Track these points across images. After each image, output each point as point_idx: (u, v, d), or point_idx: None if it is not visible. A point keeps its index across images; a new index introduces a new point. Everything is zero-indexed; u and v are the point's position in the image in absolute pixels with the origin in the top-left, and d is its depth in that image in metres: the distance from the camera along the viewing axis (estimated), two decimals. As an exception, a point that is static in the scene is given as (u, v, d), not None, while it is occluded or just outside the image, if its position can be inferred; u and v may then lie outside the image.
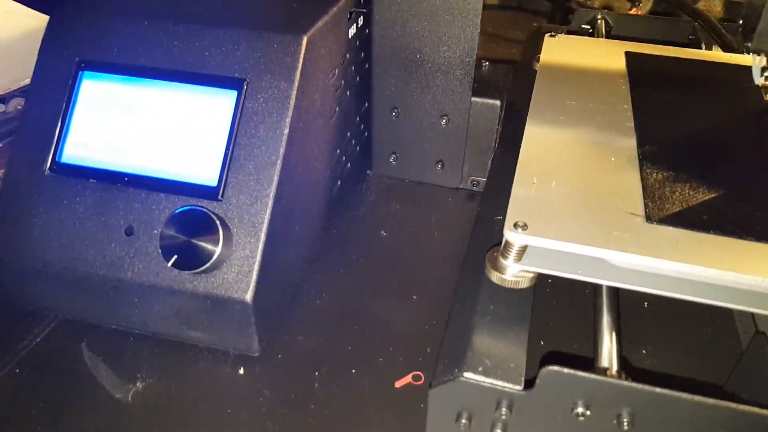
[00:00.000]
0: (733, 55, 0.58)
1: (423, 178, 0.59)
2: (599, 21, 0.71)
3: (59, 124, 0.43)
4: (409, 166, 0.59)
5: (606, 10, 0.76)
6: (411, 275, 0.49)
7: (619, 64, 0.54)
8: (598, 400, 0.32)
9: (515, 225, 0.35)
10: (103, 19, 0.44)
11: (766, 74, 0.45)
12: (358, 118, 0.57)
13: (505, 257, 0.36)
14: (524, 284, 0.37)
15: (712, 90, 0.52)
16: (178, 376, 0.41)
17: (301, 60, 0.41)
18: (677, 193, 0.38)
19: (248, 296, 0.39)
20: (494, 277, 0.37)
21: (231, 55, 0.41)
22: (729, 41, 0.62)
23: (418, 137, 0.57)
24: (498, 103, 0.54)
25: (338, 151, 0.52)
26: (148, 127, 0.42)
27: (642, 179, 0.39)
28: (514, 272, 0.36)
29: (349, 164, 0.56)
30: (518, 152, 0.42)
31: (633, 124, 0.45)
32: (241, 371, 0.41)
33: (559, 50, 0.57)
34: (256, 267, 0.39)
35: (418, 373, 0.41)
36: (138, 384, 0.40)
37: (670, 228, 0.35)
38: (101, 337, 0.43)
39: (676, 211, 0.36)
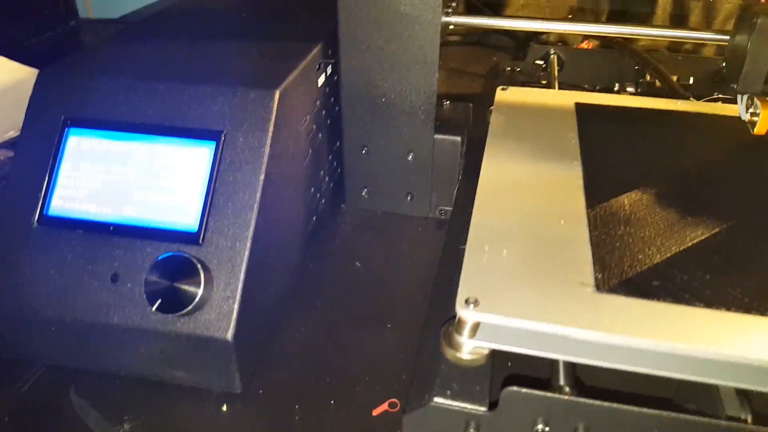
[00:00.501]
0: (681, 101, 0.59)
1: (394, 210, 0.62)
2: (552, 56, 0.75)
3: (47, 178, 0.45)
4: (380, 199, 0.62)
5: (560, 44, 0.80)
6: (385, 305, 0.52)
7: (570, 115, 0.56)
8: (556, 417, 0.34)
9: (467, 301, 0.35)
10: (88, 78, 0.46)
11: (751, 110, 0.48)
12: (330, 157, 0.60)
13: (459, 333, 0.36)
14: (481, 362, 0.36)
15: (661, 140, 0.53)
16: (163, 415, 0.43)
17: (273, 112, 0.44)
18: (626, 258, 0.38)
19: (229, 335, 0.41)
20: (449, 354, 0.36)
21: (209, 110, 0.44)
22: (676, 88, 0.66)
23: (388, 172, 0.60)
24: (459, 139, 0.57)
25: (312, 189, 0.55)
26: (131, 179, 0.44)
27: (591, 244, 0.39)
28: (469, 348, 0.36)
29: (323, 200, 0.59)
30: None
31: (582, 182, 0.45)
32: (224, 408, 0.43)
33: (510, 104, 0.59)
34: (236, 307, 0.42)
35: (394, 400, 0.44)
36: (125, 425, 0.42)
37: (621, 297, 0.35)
38: (88, 382, 0.45)
39: (625, 278, 0.36)
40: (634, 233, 0.40)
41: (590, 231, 0.40)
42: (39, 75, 0.47)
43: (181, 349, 0.42)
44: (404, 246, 0.59)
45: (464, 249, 0.39)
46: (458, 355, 0.36)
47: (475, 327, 0.36)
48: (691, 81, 0.73)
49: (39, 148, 0.45)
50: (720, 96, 0.75)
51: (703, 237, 0.40)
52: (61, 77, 0.47)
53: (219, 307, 0.42)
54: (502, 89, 0.61)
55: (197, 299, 0.41)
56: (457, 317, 0.36)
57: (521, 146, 0.50)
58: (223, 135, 0.44)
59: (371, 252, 0.58)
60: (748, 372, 0.32)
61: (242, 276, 0.42)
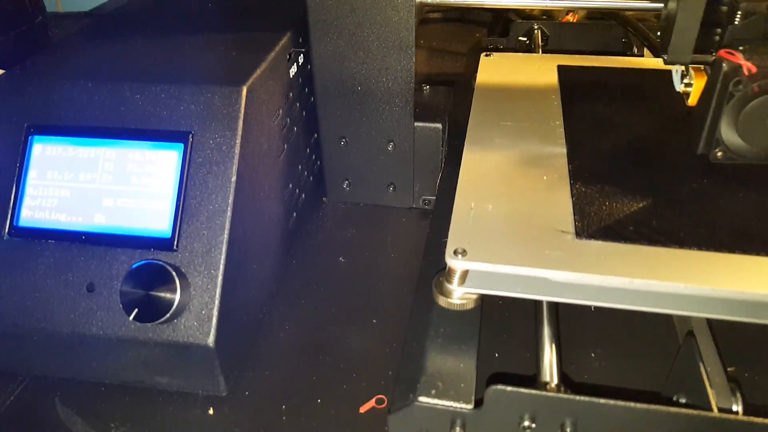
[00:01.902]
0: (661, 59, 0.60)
1: (377, 201, 0.61)
2: (536, 32, 0.74)
3: (14, 188, 0.44)
4: (362, 191, 0.61)
5: (544, 19, 0.79)
6: (370, 299, 0.51)
7: (552, 78, 0.57)
8: (542, 413, 0.34)
9: (455, 252, 0.37)
10: (49, 82, 0.45)
11: (685, 81, 0.47)
12: (308, 150, 0.59)
13: (449, 282, 0.39)
14: (470, 305, 0.39)
15: (641, 97, 0.54)
16: (150, 421, 0.42)
17: (242, 110, 0.42)
18: (605, 207, 0.40)
19: (210, 340, 0.41)
20: (441, 301, 0.39)
21: (175, 110, 0.43)
22: (657, 45, 0.65)
23: (368, 163, 0.59)
24: (440, 126, 0.56)
25: (291, 185, 0.54)
26: (101, 185, 0.43)
27: (572, 196, 0.41)
28: (459, 295, 0.39)
29: (303, 195, 0.58)
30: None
31: (564, 140, 0.47)
32: (211, 412, 0.43)
33: (495, 69, 0.59)
34: (215, 311, 0.41)
35: (381, 396, 0.43)
36: (112, 433, 0.42)
37: (598, 242, 0.37)
38: (73, 391, 0.44)
39: (603, 225, 0.39)
40: (613, 186, 0.42)
41: (571, 185, 0.42)
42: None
43: (163, 356, 0.42)
44: (388, 238, 0.58)
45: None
46: (450, 301, 0.39)
47: (464, 275, 0.38)
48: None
49: (3, 158, 0.44)
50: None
51: (678, 187, 0.43)
52: (21, 82, 0.46)
53: (198, 312, 0.41)
54: (486, 55, 0.62)
55: (175, 306, 0.40)
56: (447, 267, 0.38)
57: (505, 109, 0.52)
58: (190, 136, 0.42)
59: (355, 246, 0.57)
60: (717, 304, 0.35)
61: (220, 280, 0.41)
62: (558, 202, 0.41)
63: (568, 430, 0.34)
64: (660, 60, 0.59)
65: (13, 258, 0.43)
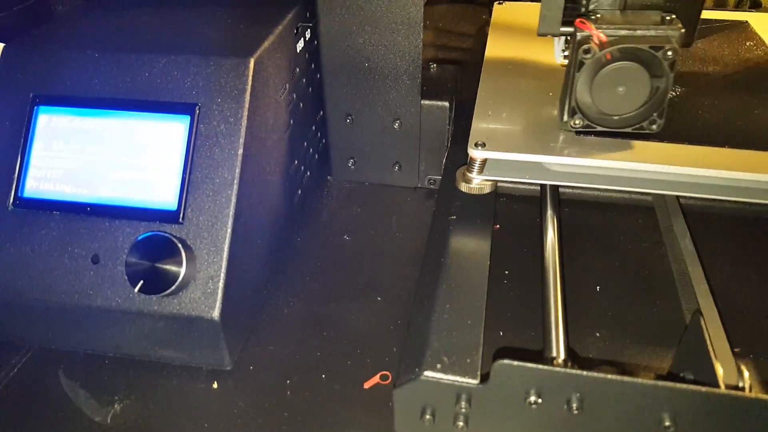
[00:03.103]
0: None
1: (382, 180, 0.61)
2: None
3: (19, 159, 0.43)
4: (367, 169, 0.61)
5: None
6: (375, 277, 0.51)
7: None
8: (548, 389, 0.34)
9: (476, 144, 0.45)
10: (55, 53, 0.45)
11: (565, 53, 0.47)
12: (314, 127, 0.59)
13: (470, 171, 0.47)
14: (486, 190, 0.49)
15: None
16: (154, 395, 0.42)
17: (249, 82, 0.42)
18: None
19: (215, 314, 0.40)
20: (463, 187, 0.48)
21: (182, 82, 0.43)
22: None
23: (374, 141, 0.58)
24: (447, 104, 0.55)
25: (296, 162, 0.54)
26: (106, 157, 0.43)
27: None
28: (478, 181, 0.48)
29: (308, 172, 0.58)
30: None
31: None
32: (215, 385, 0.43)
33: (507, 15, 0.67)
34: (221, 285, 0.41)
35: (385, 372, 0.43)
36: (116, 406, 0.42)
37: (594, 138, 0.45)
38: (77, 363, 0.45)
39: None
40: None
41: None
42: (3, 50, 0.45)
43: (168, 329, 0.42)
44: (393, 217, 0.57)
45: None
46: (470, 186, 0.48)
47: (482, 165, 0.47)
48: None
49: (8, 128, 0.44)
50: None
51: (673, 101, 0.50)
52: (27, 52, 0.45)
53: (204, 285, 0.41)
54: (499, 3, 0.70)
55: (180, 279, 0.40)
56: (469, 157, 0.47)
57: (517, 45, 0.60)
58: (197, 108, 0.42)
59: (360, 224, 0.57)
60: (692, 184, 0.45)
61: (225, 253, 0.41)
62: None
63: (575, 405, 0.34)
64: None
65: (18, 229, 0.43)
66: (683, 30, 0.41)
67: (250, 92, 0.42)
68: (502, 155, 0.44)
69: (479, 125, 0.47)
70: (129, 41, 0.46)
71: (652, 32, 0.41)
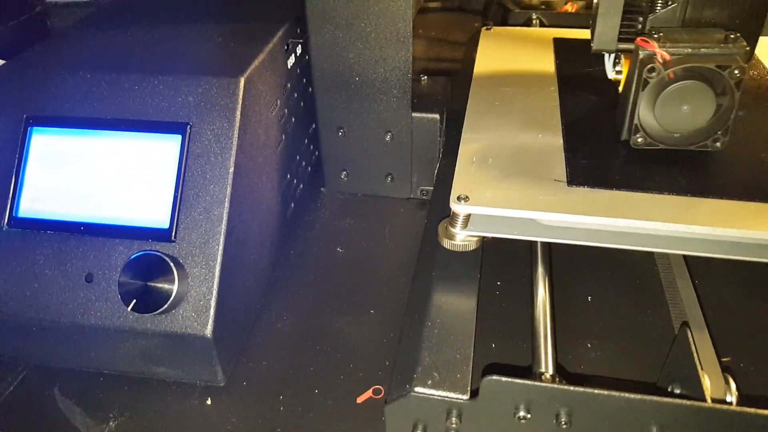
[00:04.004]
0: None
1: (375, 192, 0.61)
2: (534, 21, 0.73)
3: (13, 179, 0.44)
4: (360, 181, 0.61)
5: (543, 9, 0.78)
6: (368, 289, 0.51)
7: (548, 49, 0.60)
8: (537, 404, 0.34)
9: (459, 198, 0.40)
10: (48, 74, 0.45)
11: (617, 69, 0.47)
12: (306, 140, 0.59)
13: (453, 226, 0.42)
14: (472, 247, 0.43)
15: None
16: (148, 412, 0.43)
17: (239, 101, 0.42)
18: (594, 159, 0.44)
19: (208, 331, 0.41)
20: (446, 243, 0.43)
21: (173, 101, 0.43)
22: None
23: (366, 153, 0.59)
24: (437, 116, 0.56)
25: (289, 176, 0.54)
26: (99, 176, 0.43)
27: (564, 150, 0.44)
28: (462, 237, 0.43)
29: (301, 185, 0.58)
30: None
31: (557, 103, 0.50)
32: (209, 402, 0.43)
33: (495, 41, 0.62)
34: (213, 302, 0.41)
35: (378, 387, 0.43)
36: (111, 423, 0.42)
37: (587, 189, 0.41)
38: (72, 381, 0.45)
39: (593, 174, 0.42)
40: (601, 140, 0.46)
41: (564, 140, 0.46)
42: (-3, 71, 0.46)
43: (161, 346, 0.42)
44: (386, 229, 0.58)
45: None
46: (453, 242, 0.43)
47: (467, 219, 0.42)
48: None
49: (2, 149, 0.44)
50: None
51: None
52: (20, 73, 0.46)
53: (196, 303, 0.41)
54: (487, 29, 0.66)
55: (172, 297, 0.40)
56: (452, 211, 0.42)
57: (504, 76, 0.56)
58: (188, 127, 0.42)
59: (353, 236, 0.57)
60: (691, 241, 0.40)
61: (217, 271, 0.41)
62: (552, 155, 0.44)
63: (563, 420, 0.34)
64: None
65: (13, 249, 0.43)
66: (748, 48, 0.40)
67: (240, 111, 0.42)
68: (489, 210, 0.40)
69: (462, 175, 0.43)
70: (121, 61, 0.47)
71: (716, 51, 0.40)
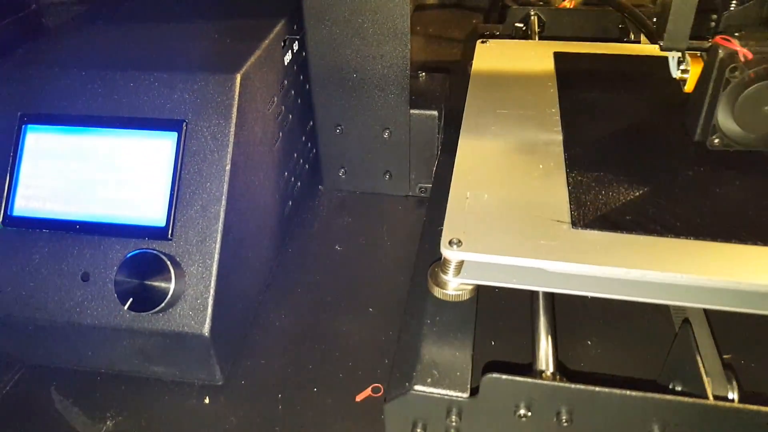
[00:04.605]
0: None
1: (373, 189, 0.61)
2: (532, 18, 0.73)
3: (7, 178, 0.43)
4: (358, 179, 0.61)
5: (541, 4, 0.78)
6: (366, 288, 0.51)
7: (548, 65, 0.56)
8: (538, 401, 0.34)
9: (450, 242, 0.36)
10: (41, 72, 0.45)
11: (681, 67, 0.47)
12: (303, 138, 0.59)
13: (444, 272, 0.38)
14: (465, 296, 0.39)
15: (637, 84, 0.54)
16: (146, 411, 0.42)
17: (236, 98, 0.42)
18: (601, 196, 0.40)
19: (205, 329, 0.40)
20: (436, 292, 0.39)
21: (169, 98, 0.43)
22: (653, 31, 0.64)
23: (364, 151, 0.59)
24: (435, 113, 0.56)
25: (286, 173, 0.54)
26: (95, 174, 0.43)
27: (568, 185, 0.41)
28: (455, 286, 0.39)
29: (299, 183, 0.58)
30: None
31: (560, 128, 0.47)
32: (207, 401, 0.43)
33: (491, 56, 0.58)
34: (210, 301, 0.41)
35: (377, 385, 0.43)
36: (108, 422, 0.42)
37: (594, 232, 0.37)
38: (69, 380, 0.45)
39: (599, 214, 0.38)
40: (609, 174, 0.42)
41: (567, 173, 0.42)
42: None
43: (159, 345, 0.42)
44: (384, 226, 0.57)
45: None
46: (445, 292, 0.39)
47: (460, 265, 0.38)
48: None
49: (-3, 147, 0.44)
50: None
51: (674, 175, 0.42)
52: (14, 71, 0.45)
53: (193, 302, 0.41)
54: (482, 42, 0.61)
55: (169, 296, 0.40)
56: (443, 257, 0.37)
57: (501, 96, 0.52)
58: (184, 124, 0.42)
59: (351, 234, 0.57)
60: (714, 294, 0.35)
61: (215, 269, 0.41)
62: (554, 191, 0.40)
63: (564, 418, 0.34)
64: (656, 46, 0.59)
65: (8, 247, 0.43)
66: None
67: (237, 107, 0.42)
68: (484, 258, 0.36)
69: (455, 214, 0.39)
70: (116, 58, 0.46)
71: None
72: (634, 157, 0.44)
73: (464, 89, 0.53)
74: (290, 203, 0.55)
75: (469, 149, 0.45)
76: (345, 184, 0.61)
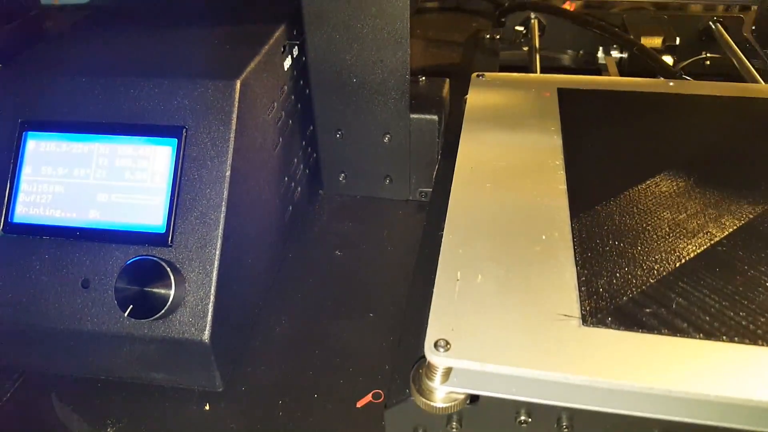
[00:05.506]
0: (674, 81, 0.53)
1: (373, 194, 0.61)
2: (533, 21, 0.73)
3: (8, 185, 0.43)
4: (358, 183, 0.61)
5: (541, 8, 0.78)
6: (367, 293, 0.51)
7: (552, 106, 0.50)
8: (538, 408, 0.34)
9: (436, 344, 0.31)
10: (41, 79, 0.45)
11: None
12: (304, 143, 0.59)
13: (430, 378, 0.32)
14: (457, 408, 0.32)
15: (652, 131, 0.47)
16: (146, 418, 0.42)
17: (236, 104, 0.42)
18: (615, 280, 0.33)
19: (205, 336, 0.40)
20: (420, 402, 0.32)
21: (168, 105, 0.43)
22: (666, 66, 0.63)
23: (364, 155, 0.59)
24: (436, 117, 0.56)
25: (286, 178, 0.54)
26: (95, 181, 0.43)
27: (576, 265, 0.35)
28: (442, 396, 0.32)
29: (299, 188, 0.58)
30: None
31: (565, 187, 0.40)
32: (207, 407, 0.43)
33: (486, 96, 0.53)
34: (210, 307, 0.41)
35: (377, 390, 0.43)
36: (109, 429, 0.42)
37: (610, 331, 0.31)
38: (69, 387, 0.45)
39: (615, 306, 0.32)
40: (624, 247, 0.35)
41: (575, 247, 0.36)
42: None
43: (159, 352, 0.42)
44: (385, 231, 0.57)
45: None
46: (430, 403, 0.32)
47: (448, 371, 0.32)
48: (678, 41, 0.70)
49: (-3, 155, 0.44)
50: (708, 55, 0.73)
51: (702, 249, 0.35)
52: (14, 78, 0.45)
53: (193, 308, 0.41)
54: (478, 76, 0.55)
55: (169, 302, 0.40)
56: (427, 362, 0.32)
57: (498, 145, 0.45)
58: (184, 131, 0.42)
59: (351, 239, 0.57)
60: (758, 414, 0.28)
61: (215, 275, 0.41)
62: (559, 271, 0.34)
63: (564, 424, 0.34)
64: (670, 82, 0.51)
65: (8, 254, 0.43)
66: None
67: (236, 114, 0.42)
68: (476, 366, 0.30)
69: (441, 306, 0.32)
70: (115, 65, 0.46)
71: None
72: (654, 227, 0.37)
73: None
74: (290, 208, 0.55)
75: (461, 213, 0.39)
76: (345, 188, 0.61)
